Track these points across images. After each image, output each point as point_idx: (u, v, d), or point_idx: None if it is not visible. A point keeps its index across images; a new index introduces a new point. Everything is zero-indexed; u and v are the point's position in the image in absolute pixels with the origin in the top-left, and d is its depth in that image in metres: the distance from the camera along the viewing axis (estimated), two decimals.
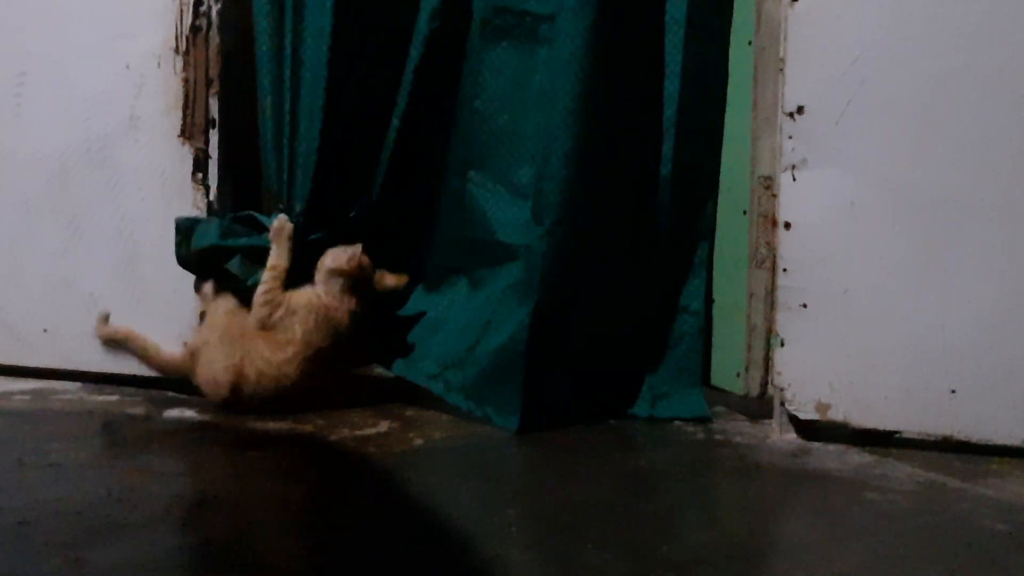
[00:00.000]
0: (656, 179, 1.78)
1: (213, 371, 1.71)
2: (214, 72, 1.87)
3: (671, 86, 1.78)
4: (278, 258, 1.77)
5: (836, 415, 1.56)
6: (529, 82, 1.75)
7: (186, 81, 1.87)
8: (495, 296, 1.75)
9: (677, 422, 1.70)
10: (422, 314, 1.90)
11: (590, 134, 1.67)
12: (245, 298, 1.77)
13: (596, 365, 1.77)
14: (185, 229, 1.81)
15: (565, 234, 1.67)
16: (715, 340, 1.91)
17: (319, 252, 1.79)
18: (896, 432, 1.54)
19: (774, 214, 1.64)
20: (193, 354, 1.75)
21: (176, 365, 1.80)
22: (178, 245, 1.81)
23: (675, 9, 1.77)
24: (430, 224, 1.95)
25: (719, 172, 1.84)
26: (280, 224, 1.79)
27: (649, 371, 1.80)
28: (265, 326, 1.73)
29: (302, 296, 1.74)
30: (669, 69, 1.78)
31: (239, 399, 1.69)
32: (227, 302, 1.79)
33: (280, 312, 1.74)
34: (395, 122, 1.85)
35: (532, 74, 1.74)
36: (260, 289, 1.75)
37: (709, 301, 1.86)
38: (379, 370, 1.94)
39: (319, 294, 1.74)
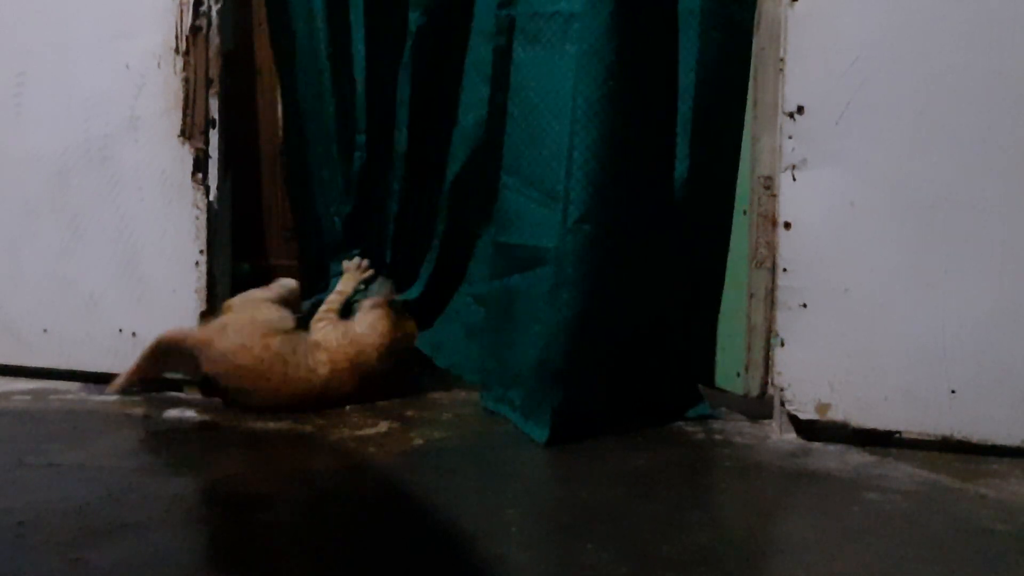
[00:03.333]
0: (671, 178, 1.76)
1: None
2: (214, 72, 1.87)
3: (686, 80, 1.74)
4: (345, 285, 2.00)
5: (836, 415, 1.56)
6: (563, 82, 1.68)
7: (186, 81, 1.87)
8: (537, 304, 1.67)
9: (678, 422, 1.70)
10: (481, 330, 1.87)
11: (613, 126, 1.61)
12: None
13: (628, 367, 1.74)
14: None
15: (591, 231, 1.60)
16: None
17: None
18: (896, 432, 1.54)
19: (774, 214, 1.64)
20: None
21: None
22: None
23: (690, 1, 1.72)
24: (474, 234, 1.98)
25: (736, 171, 1.80)
26: (357, 262, 2.06)
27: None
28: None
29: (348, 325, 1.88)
30: (684, 63, 1.74)
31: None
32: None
33: (329, 326, 1.88)
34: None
35: (566, 73, 1.67)
36: (324, 307, 1.92)
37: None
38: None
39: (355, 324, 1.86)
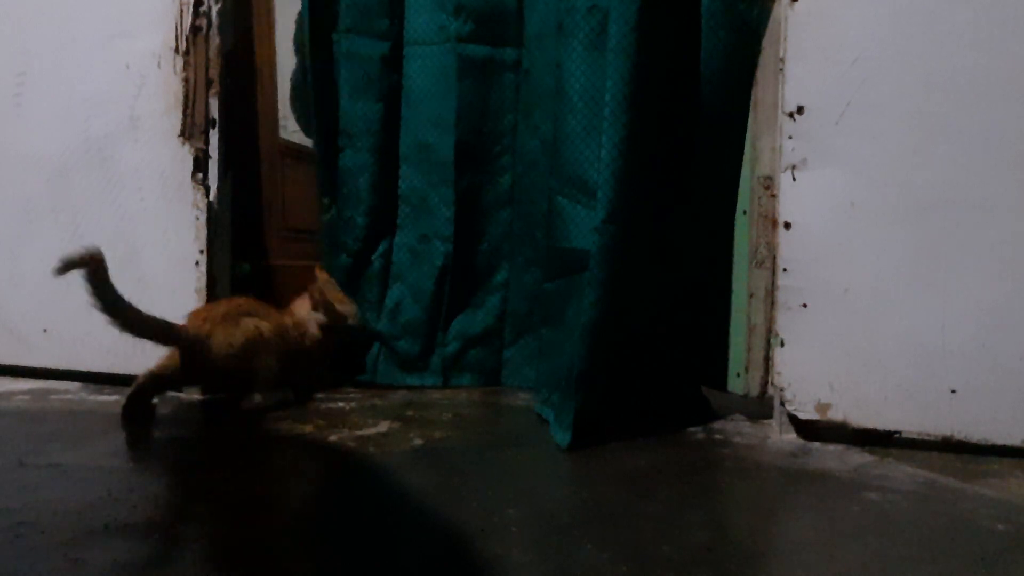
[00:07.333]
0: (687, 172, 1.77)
1: None
2: (214, 72, 1.87)
3: (700, 78, 1.75)
4: None
5: (836, 415, 1.56)
6: (602, 79, 1.63)
7: (186, 81, 1.87)
8: (580, 305, 1.64)
9: (678, 423, 1.70)
10: (540, 334, 1.88)
11: (638, 125, 1.59)
12: None
13: (634, 369, 1.75)
14: None
15: (616, 231, 1.58)
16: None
17: None
18: (896, 432, 1.54)
19: (774, 214, 1.64)
20: None
21: None
22: None
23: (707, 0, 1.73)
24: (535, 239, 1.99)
25: (739, 171, 1.81)
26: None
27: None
28: None
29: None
30: (703, 62, 1.75)
31: None
32: None
33: None
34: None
35: (604, 70, 1.63)
36: None
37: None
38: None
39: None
